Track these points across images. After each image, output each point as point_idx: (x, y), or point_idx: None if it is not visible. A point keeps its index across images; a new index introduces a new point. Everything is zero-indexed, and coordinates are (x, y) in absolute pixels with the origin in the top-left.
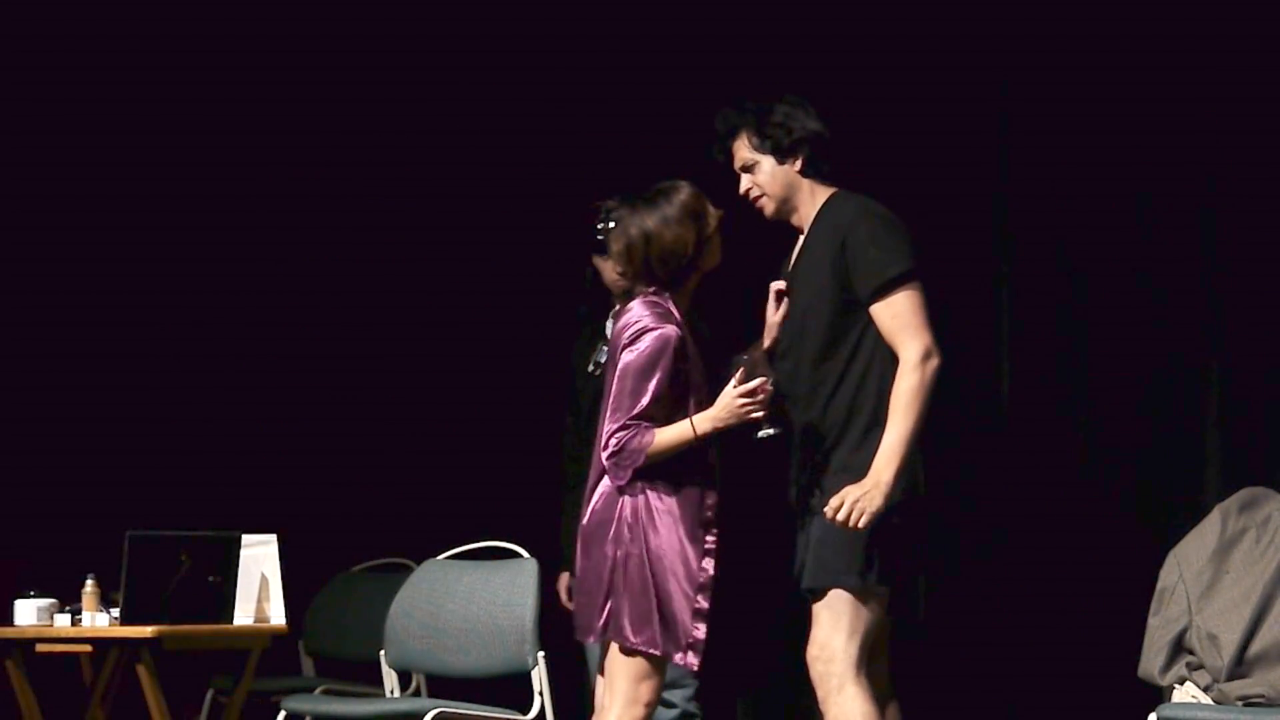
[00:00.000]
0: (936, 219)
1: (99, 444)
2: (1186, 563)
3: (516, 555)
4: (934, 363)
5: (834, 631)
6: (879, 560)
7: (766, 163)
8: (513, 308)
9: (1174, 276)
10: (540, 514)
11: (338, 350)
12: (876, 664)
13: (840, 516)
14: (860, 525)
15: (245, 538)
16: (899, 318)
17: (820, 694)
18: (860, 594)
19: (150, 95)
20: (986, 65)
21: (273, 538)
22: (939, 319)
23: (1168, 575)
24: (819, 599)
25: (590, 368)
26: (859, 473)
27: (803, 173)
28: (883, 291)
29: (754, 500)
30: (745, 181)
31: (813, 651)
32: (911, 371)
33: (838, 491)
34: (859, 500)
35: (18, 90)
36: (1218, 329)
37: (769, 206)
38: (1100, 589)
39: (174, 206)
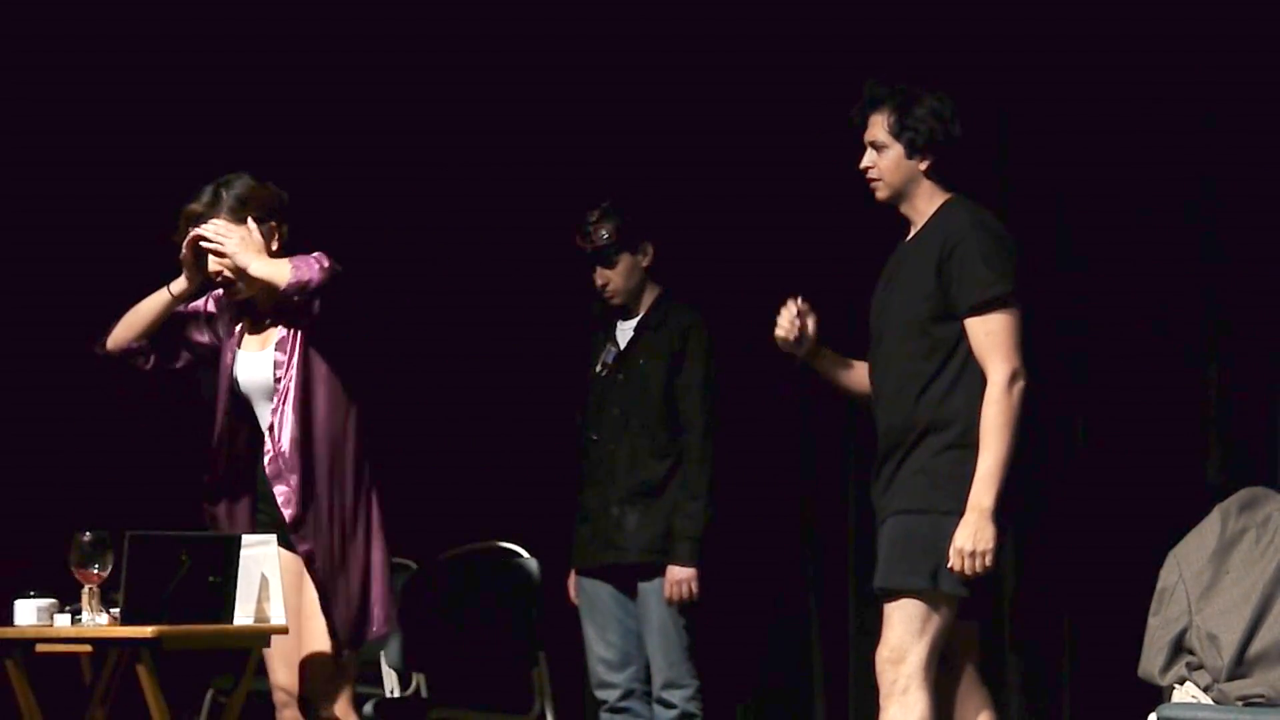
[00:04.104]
0: None
1: (99, 444)
2: (1186, 563)
3: (517, 555)
4: (1020, 385)
5: (905, 633)
6: (948, 562)
7: (895, 151)
8: (518, 307)
9: (1174, 276)
10: (541, 514)
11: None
12: (966, 665)
13: (967, 568)
14: (989, 563)
15: (245, 538)
16: (992, 336)
17: (883, 692)
18: (930, 597)
19: (148, 96)
20: (986, 65)
21: (273, 538)
22: None
23: (1168, 575)
24: (891, 599)
25: (598, 367)
26: (935, 477)
27: (927, 174)
28: (982, 308)
29: (753, 502)
30: (869, 158)
31: (883, 652)
32: (1001, 395)
33: (912, 493)
34: (971, 541)
35: (18, 90)
36: (1217, 328)
37: (882, 192)
38: (1100, 589)
39: (173, 206)
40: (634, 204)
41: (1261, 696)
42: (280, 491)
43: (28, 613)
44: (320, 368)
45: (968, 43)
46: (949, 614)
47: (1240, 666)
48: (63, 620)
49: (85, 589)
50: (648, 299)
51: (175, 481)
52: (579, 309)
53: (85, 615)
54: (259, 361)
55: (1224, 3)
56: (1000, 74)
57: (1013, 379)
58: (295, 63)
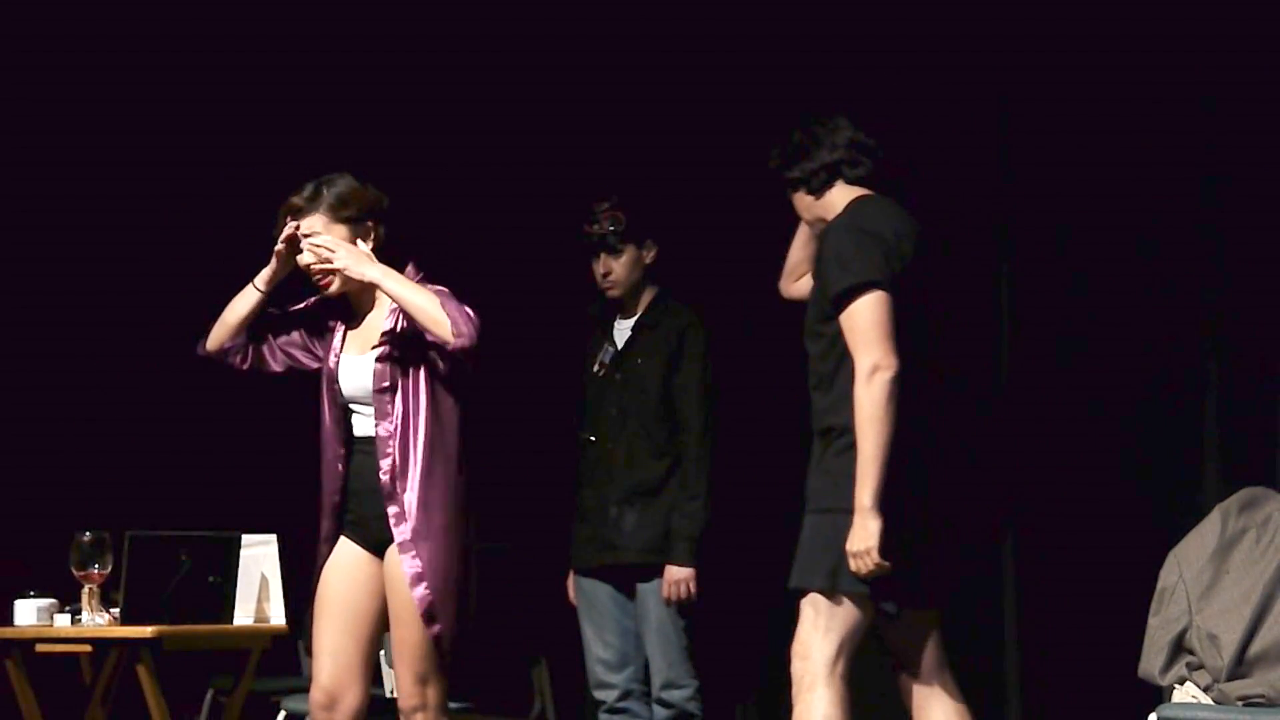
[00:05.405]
0: (937, 218)
1: (99, 444)
2: (1186, 563)
3: (516, 555)
4: (881, 376)
5: (811, 630)
6: (848, 562)
7: (796, 200)
8: (517, 307)
9: (1174, 275)
10: (541, 514)
11: None
12: (925, 666)
13: (861, 569)
14: (877, 560)
15: (245, 538)
16: (852, 332)
17: (794, 690)
18: (832, 595)
19: (147, 95)
20: (986, 65)
21: (273, 538)
22: (942, 319)
23: (1168, 575)
24: (802, 597)
25: (595, 368)
26: (835, 476)
27: (811, 193)
28: (838, 304)
29: (752, 502)
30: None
31: (794, 648)
32: (861, 390)
33: (818, 492)
34: (853, 541)
35: (17, 90)
36: (1217, 328)
37: (814, 229)
38: (1100, 589)
39: (175, 206)
40: (641, 203)
41: (1261, 696)
42: (386, 468)
43: (28, 613)
44: (433, 358)
45: (968, 42)
46: (855, 612)
47: (1240, 666)
48: (63, 620)
49: (85, 589)
50: (645, 298)
51: (175, 481)
52: (578, 309)
53: (85, 615)
54: (360, 366)
55: (1225, 2)
56: (1000, 73)
57: (872, 371)
58: (295, 63)
